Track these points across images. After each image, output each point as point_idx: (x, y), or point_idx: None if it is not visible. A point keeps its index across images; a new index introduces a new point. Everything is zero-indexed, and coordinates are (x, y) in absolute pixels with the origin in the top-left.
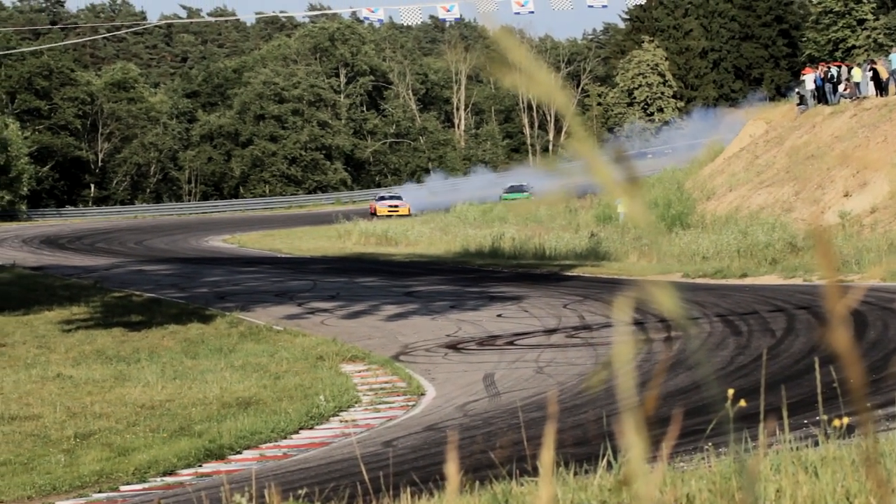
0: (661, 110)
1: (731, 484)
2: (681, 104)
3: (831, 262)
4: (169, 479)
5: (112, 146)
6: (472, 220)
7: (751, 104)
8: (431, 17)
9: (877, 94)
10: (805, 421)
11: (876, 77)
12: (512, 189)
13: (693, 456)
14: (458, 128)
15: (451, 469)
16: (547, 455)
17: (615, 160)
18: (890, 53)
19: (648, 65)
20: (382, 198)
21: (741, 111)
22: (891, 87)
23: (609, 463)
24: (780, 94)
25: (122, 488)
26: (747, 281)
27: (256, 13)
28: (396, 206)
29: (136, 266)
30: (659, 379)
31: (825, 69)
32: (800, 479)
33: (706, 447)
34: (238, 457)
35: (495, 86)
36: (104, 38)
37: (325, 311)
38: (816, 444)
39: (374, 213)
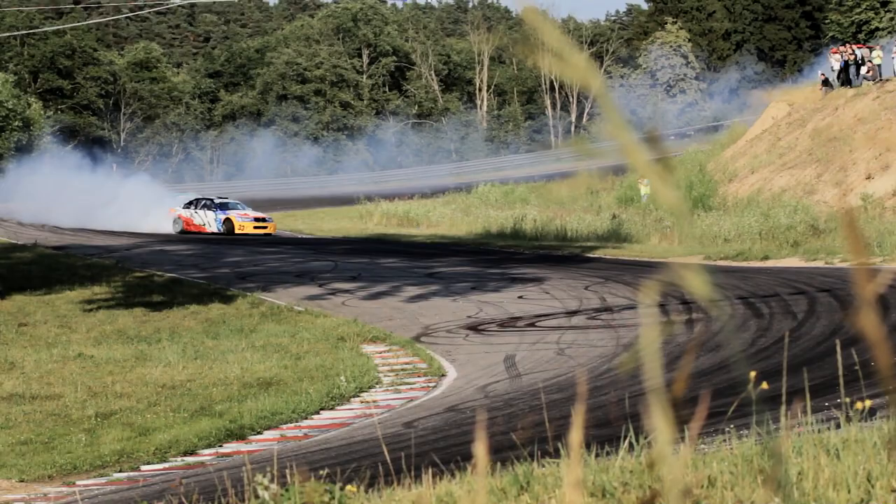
0: (683, 92)
1: (754, 465)
2: (703, 86)
3: (859, 244)
4: (189, 459)
5: (134, 126)
6: (494, 201)
7: (773, 86)
8: None
9: None
10: (827, 403)
11: None
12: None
13: (714, 438)
14: (481, 109)
15: (480, 449)
16: (575, 436)
17: (646, 140)
18: None
19: (671, 46)
20: (226, 206)
21: (764, 93)
22: None
23: (631, 445)
24: (801, 74)
25: (143, 468)
26: (769, 263)
27: None
28: (265, 222)
29: (158, 246)
30: (688, 361)
31: (850, 51)
32: (822, 462)
33: (728, 429)
34: (259, 437)
35: (518, 67)
36: (127, 17)
37: (346, 291)
38: (838, 426)
39: (190, 230)
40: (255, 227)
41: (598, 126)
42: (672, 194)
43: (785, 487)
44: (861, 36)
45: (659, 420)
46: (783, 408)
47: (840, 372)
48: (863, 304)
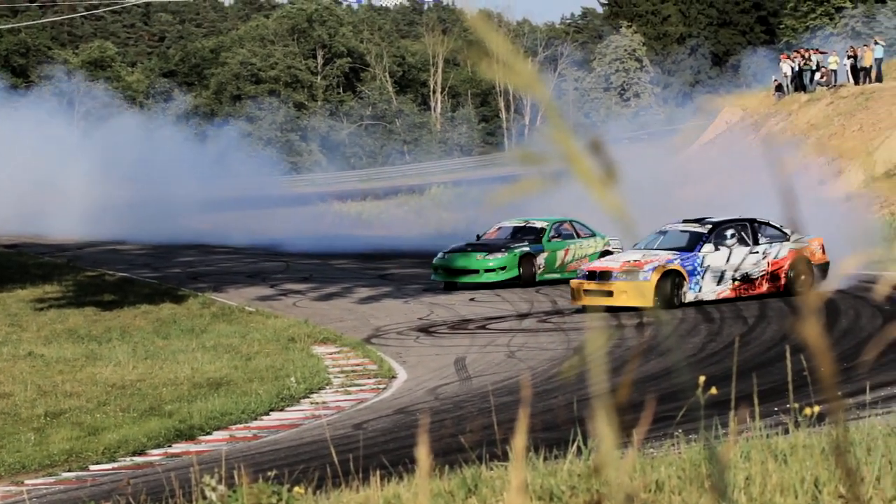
0: (637, 95)
1: (701, 470)
2: (657, 90)
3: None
4: (139, 459)
5: (89, 124)
6: (447, 203)
7: (728, 91)
8: None
9: (854, 83)
10: (776, 409)
11: (853, 65)
12: None
13: (663, 442)
14: (435, 111)
15: (422, 453)
16: (519, 440)
17: (591, 149)
18: (874, 42)
19: (626, 50)
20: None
21: (718, 97)
22: (872, 74)
23: (579, 448)
24: (756, 80)
25: (92, 468)
26: None
27: None
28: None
29: (110, 245)
30: (632, 367)
31: (803, 56)
32: (769, 467)
33: (676, 434)
34: (208, 437)
35: (472, 69)
36: (82, 16)
37: (297, 292)
38: (787, 431)
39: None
40: None
41: (543, 131)
42: (615, 201)
43: (726, 494)
44: (815, 42)
45: (603, 426)
46: (731, 413)
47: (789, 377)
48: (805, 312)
